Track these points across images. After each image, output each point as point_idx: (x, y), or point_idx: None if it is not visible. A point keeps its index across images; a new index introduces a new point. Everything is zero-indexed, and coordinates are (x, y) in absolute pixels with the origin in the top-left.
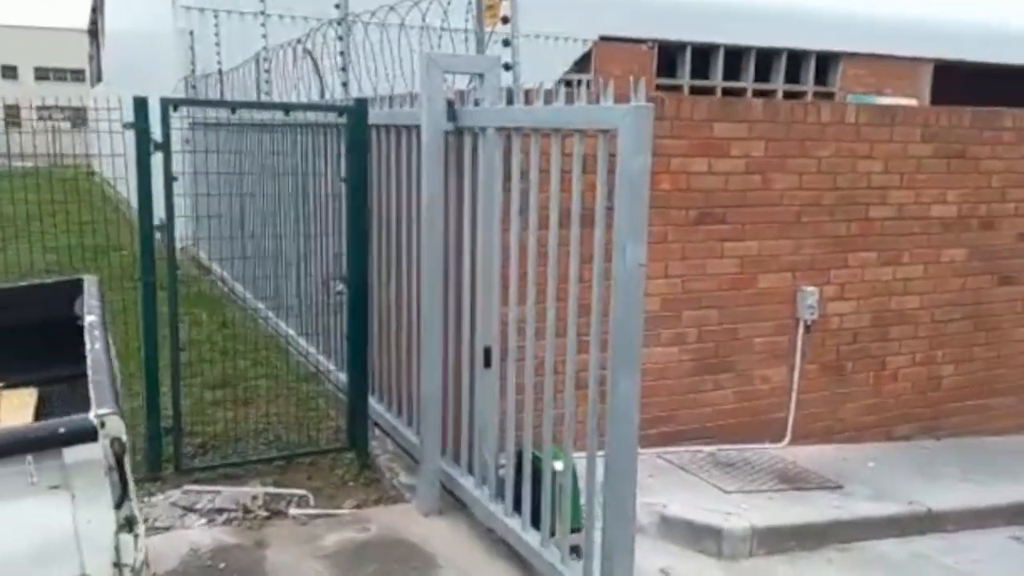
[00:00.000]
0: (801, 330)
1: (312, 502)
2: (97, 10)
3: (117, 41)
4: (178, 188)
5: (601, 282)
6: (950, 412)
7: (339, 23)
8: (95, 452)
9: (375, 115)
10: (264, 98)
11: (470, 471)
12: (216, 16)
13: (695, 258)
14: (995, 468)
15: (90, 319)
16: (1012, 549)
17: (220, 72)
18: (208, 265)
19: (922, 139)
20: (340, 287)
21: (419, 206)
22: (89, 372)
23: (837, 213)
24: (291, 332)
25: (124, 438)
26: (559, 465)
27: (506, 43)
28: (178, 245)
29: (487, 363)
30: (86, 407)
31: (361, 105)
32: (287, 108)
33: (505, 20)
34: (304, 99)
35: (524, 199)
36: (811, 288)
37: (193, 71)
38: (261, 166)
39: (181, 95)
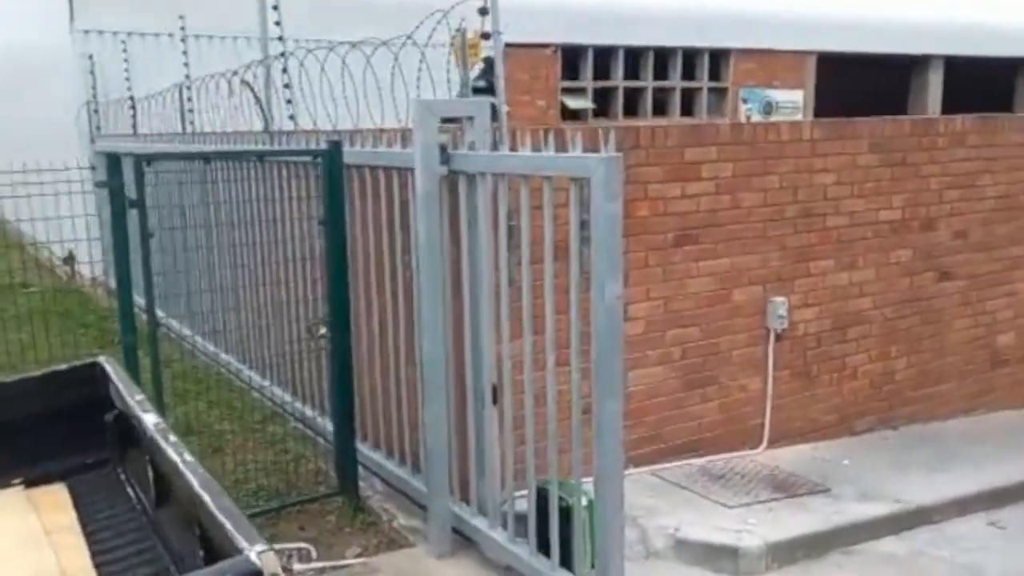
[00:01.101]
0: (772, 339)
1: (314, 554)
2: None
3: None
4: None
5: (580, 314)
6: (904, 402)
7: (282, 55)
8: None
9: (351, 154)
10: (189, 128)
11: (481, 511)
12: (124, 41)
13: (674, 279)
14: (954, 454)
15: (151, 419)
16: (994, 535)
17: (132, 99)
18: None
19: (869, 150)
20: (323, 330)
21: (413, 247)
22: (206, 499)
23: (799, 225)
24: (238, 365)
25: (281, 573)
26: (583, 501)
27: (489, 84)
28: (89, 274)
29: (494, 400)
30: (123, 500)
31: (337, 147)
32: (261, 155)
33: (488, 61)
34: (245, 129)
35: (518, 238)
36: (780, 299)
37: (95, 96)
38: (196, 197)
39: (84, 122)
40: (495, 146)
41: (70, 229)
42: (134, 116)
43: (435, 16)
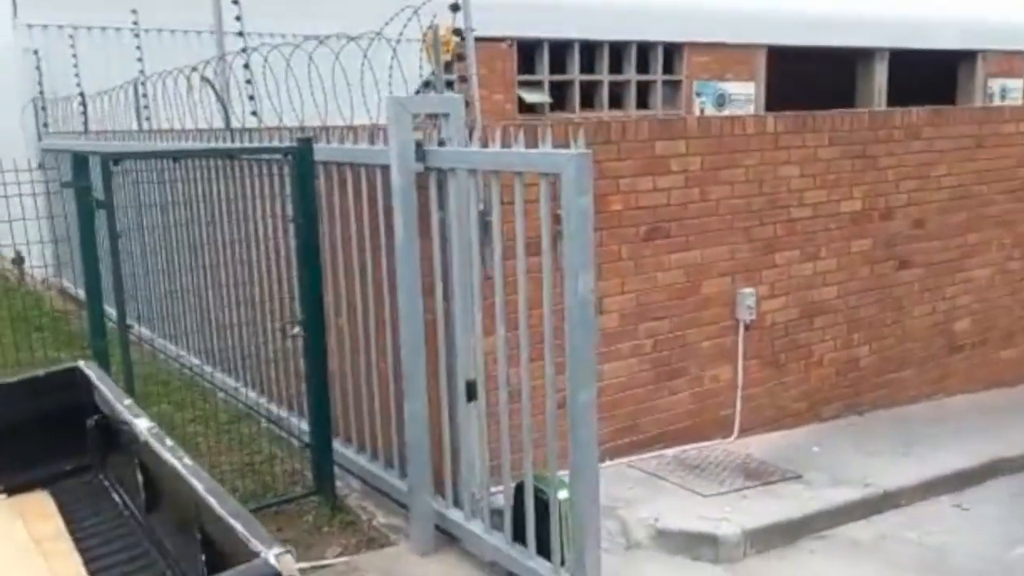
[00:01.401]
0: (741, 330)
1: (294, 555)
2: None
3: None
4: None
5: (553, 308)
6: (868, 388)
7: (243, 51)
8: None
9: (321, 151)
10: (145, 125)
11: (460, 506)
12: (71, 35)
13: (647, 272)
14: (917, 438)
15: (143, 424)
16: (959, 516)
17: (82, 96)
18: (79, 297)
19: (830, 143)
20: (296, 329)
21: (384, 243)
22: (213, 503)
23: (764, 217)
24: (206, 366)
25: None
26: (564, 494)
27: (463, 79)
28: (40, 276)
29: (471, 397)
30: (109, 506)
31: (307, 144)
32: (232, 153)
33: (461, 58)
34: (204, 127)
35: (492, 234)
36: (749, 290)
37: (41, 93)
38: (158, 196)
39: (31, 119)
40: (468, 143)
41: (19, 230)
42: (84, 113)
43: (406, 12)
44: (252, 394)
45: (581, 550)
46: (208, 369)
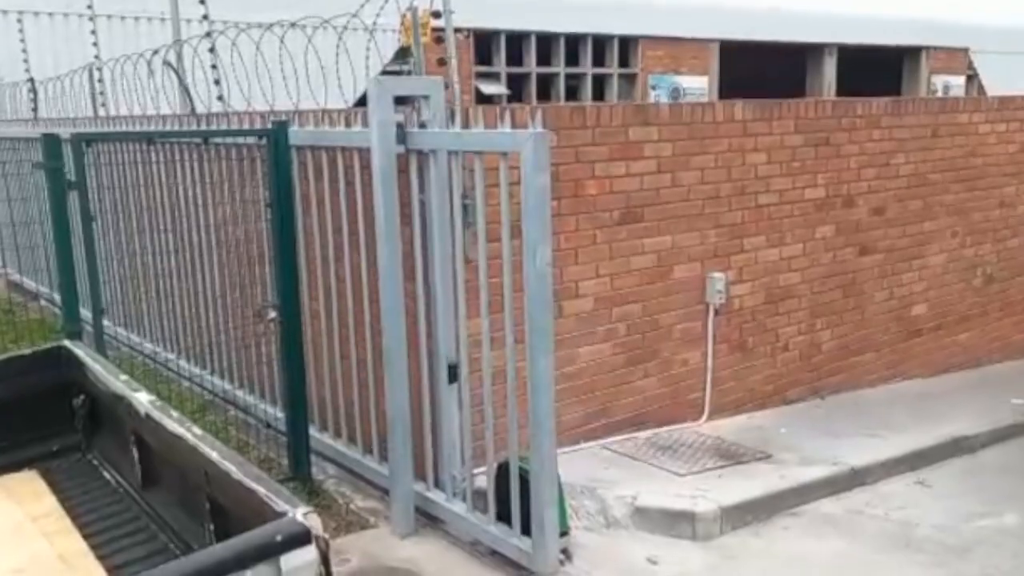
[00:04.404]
0: (711, 314)
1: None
2: None
3: None
4: None
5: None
6: (830, 372)
7: (208, 35)
8: (310, 554)
9: (296, 135)
10: (101, 111)
11: (441, 487)
12: (20, 20)
13: (621, 256)
14: (878, 420)
15: (144, 398)
16: (922, 492)
17: (32, 82)
18: (35, 290)
19: (795, 130)
20: (272, 314)
21: (361, 226)
22: (232, 469)
23: (733, 203)
24: (168, 354)
25: (326, 535)
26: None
27: (441, 62)
28: None
29: (452, 379)
30: (100, 483)
31: (283, 127)
32: (207, 136)
33: (439, 40)
34: (168, 112)
35: (472, 214)
36: (719, 274)
37: None
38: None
39: None
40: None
41: None
42: (35, 99)
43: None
44: (221, 382)
45: (540, 514)
46: (171, 357)
